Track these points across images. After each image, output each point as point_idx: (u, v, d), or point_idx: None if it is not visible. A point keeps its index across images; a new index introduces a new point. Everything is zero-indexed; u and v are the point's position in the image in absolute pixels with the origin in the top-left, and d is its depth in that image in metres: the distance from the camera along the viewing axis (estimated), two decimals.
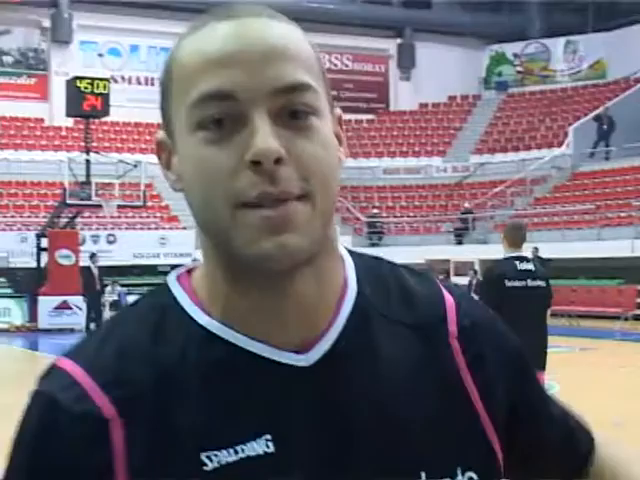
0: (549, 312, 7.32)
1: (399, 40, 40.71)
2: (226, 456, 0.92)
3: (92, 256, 22.92)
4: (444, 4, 40.17)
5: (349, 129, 38.98)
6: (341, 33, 38.51)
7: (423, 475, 0.97)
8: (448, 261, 28.80)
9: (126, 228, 28.76)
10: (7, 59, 35.69)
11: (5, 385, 13.79)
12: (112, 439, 0.92)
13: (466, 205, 31.68)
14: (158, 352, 0.96)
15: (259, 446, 0.93)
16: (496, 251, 28.14)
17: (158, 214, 30.75)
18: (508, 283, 6.85)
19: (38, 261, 24.40)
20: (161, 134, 1.01)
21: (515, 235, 7.14)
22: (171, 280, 1.02)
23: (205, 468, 0.92)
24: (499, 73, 41.15)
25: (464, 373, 1.03)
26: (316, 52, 0.99)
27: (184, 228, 29.79)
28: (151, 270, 26.92)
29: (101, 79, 24.78)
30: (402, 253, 28.16)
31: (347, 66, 40.63)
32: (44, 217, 27.28)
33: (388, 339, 1.01)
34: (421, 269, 1.14)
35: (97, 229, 28.02)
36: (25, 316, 23.78)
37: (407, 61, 40.58)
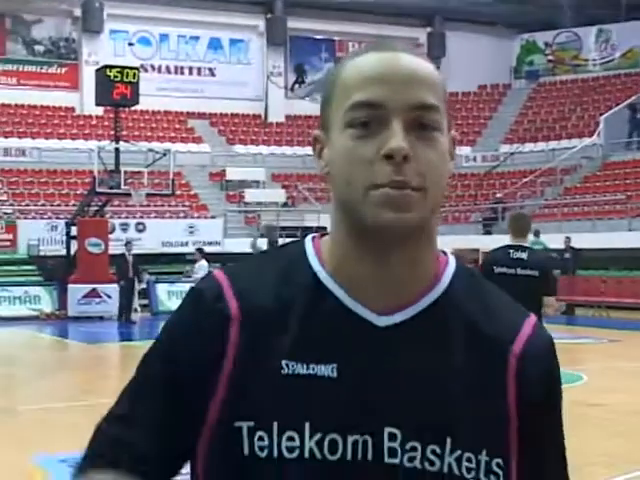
0: (550, 300, 7.30)
1: (429, 29, 40.56)
2: (299, 368, 1.22)
3: (127, 244, 23.02)
4: None
5: None
6: (371, 22, 38.38)
7: (448, 440, 1.21)
8: (477, 251, 28.66)
9: (155, 216, 28.87)
10: (39, 48, 35.91)
11: (37, 372, 13.92)
12: (230, 333, 1.24)
13: (498, 195, 31.52)
14: (281, 284, 1.27)
15: (326, 370, 1.21)
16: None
17: (187, 203, 30.86)
18: (497, 269, 7.33)
19: (68, 249, 24.55)
20: (317, 131, 1.31)
21: (515, 225, 7.59)
22: (307, 238, 1.34)
23: (282, 372, 1.22)
24: (530, 62, 40.89)
25: (511, 390, 1.26)
26: (444, 84, 1.28)
27: (212, 217, 29.90)
28: (179, 258, 27.03)
29: (131, 68, 24.87)
30: None
31: None
32: (74, 205, 27.46)
33: (456, 334, 1.26)
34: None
35: (126, 217, 28.15)
36: (55, 304, 23.93)
37: (437, 50, 40.34)
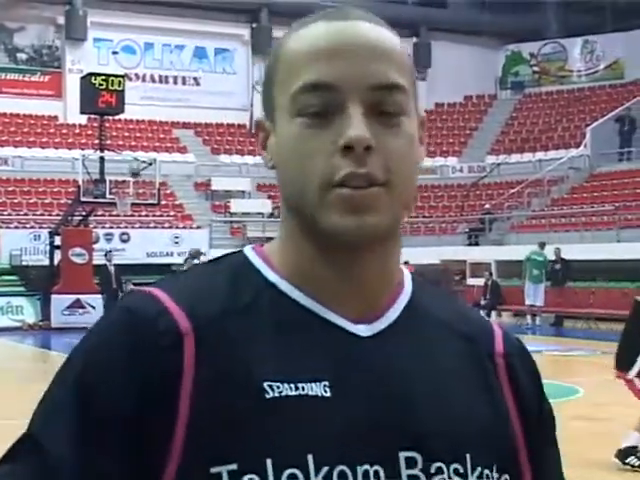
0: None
1: (415, 39, 40.44)
2: (287, 389, 0.99)
3: (106, 254, 22.69)
4: (460, 3, 39.93)
5: None
6: None
7: (468, 457, 1.03)
8: (464, 262, 28.54)
9: (140, 227, 28.57)
10: (21, 56, 35.57)
11: (18, 383, 13.62)
12: (184, 353, 0.99)
13: (486, 206, 31.42)
14: (233, 294, 1.04)
15: (318, 388, 1.00)
16: (512, 252, 27.96)
17: (172, 213, 30.59)
18: None
19: (51, 259, 24.25)
20: (261, 116, 1.10)
21: None
22: (247, 247, 1.13)
23: (266, 395, 0.98)
24: (515, 73, 40.86)
25: (506, 390, 1.11)
26: (410, 59, 1.09)
27: (198, 227, 29.64)
28: (164, 269, 26.72)
29: (116, 76, 24.64)
30: (418, 254, 27.89)
31: None
32: (57, 215, 27.15)
33: (438, 337, 1.10)
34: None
35: (110, 227, 27.85)
36: (38, 314, 23.62)
37: (423, 60, 40.27)
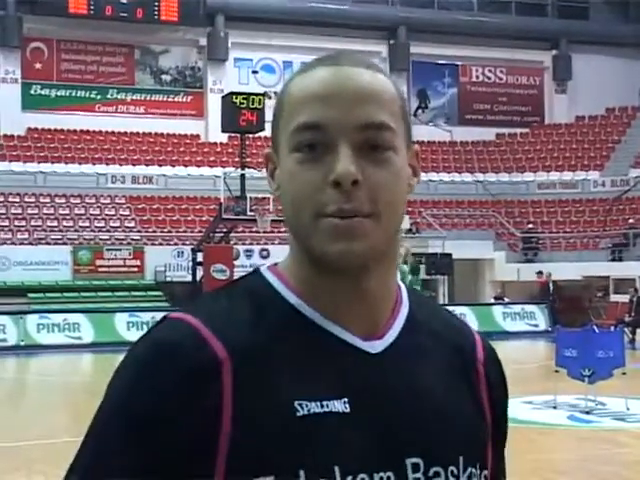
0: None
1: (554, 52, 39.83)
2: (314, 407, 1.11)
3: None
4: (602, 13, 39.06)
5: (503, 143, 38.30)
6: (495, 46, 37.91)
7: (461, 459, 1.18)
8: (607, 278, 27.85)
9: (279, 242, 28.95)
10: (165, 78, 36.64)
11: None
12: (223, 380, 1.10)
13: (630, 220, 30.59)
14: (259, 318, 1.16)
15: (340, 405, 1.13)
16: None
17: None
18: None
19: (194, 275, 24.81)
20: (269, 150, 1.24)
21: None
22: (262, 269, 1.25)
23: (297, 414, 1.10)
24: None
25: (484, 394, 1.26)
26: (401, 97, 1.21)
27: None
28: None
29: (256, 94, 25.11)
30: (558, 269, 27.41)
31: (501, 79, 39.99)
32: (199, 232, 27.76)
33: (433, 348, 1.24)
34: None
35: (251, 244, 28.29)
36: None
37: (563, 73, 39.62)
